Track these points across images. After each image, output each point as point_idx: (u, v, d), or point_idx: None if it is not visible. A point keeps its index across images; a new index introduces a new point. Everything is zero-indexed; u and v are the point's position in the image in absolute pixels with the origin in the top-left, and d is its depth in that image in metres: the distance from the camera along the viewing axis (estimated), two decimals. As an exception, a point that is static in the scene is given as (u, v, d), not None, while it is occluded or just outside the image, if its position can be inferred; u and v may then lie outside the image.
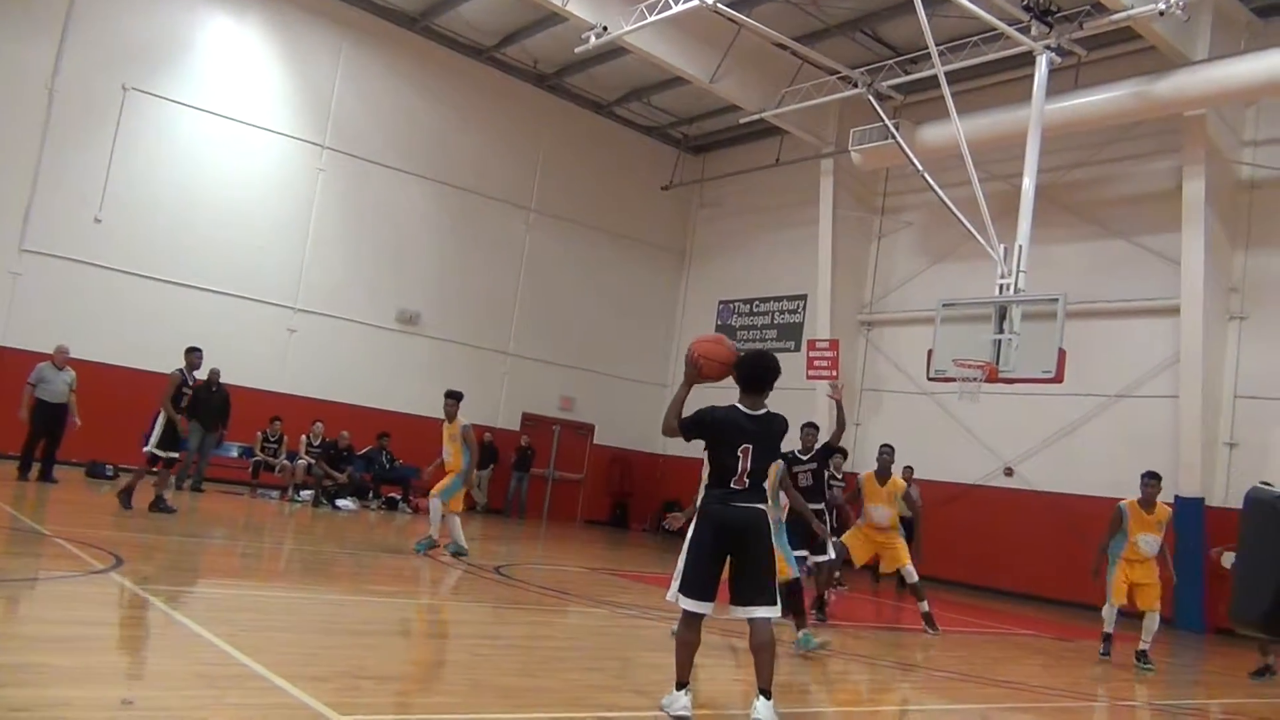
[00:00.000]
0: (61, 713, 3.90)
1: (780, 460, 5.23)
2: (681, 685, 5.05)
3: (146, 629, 5.89)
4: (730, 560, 5.09)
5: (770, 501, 5.15)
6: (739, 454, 5.11)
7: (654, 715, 5.28)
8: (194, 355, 12.57)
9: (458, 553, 11.14)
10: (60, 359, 14.11)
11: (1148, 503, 9.77)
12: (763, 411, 5.21)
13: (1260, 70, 13.42)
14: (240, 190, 18.66)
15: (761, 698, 4.96)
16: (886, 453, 10.66)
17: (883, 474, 10.44)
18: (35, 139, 16.63)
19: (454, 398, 11.40)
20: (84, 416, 14.22)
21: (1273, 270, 15.28)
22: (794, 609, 7.56)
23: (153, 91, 17.74)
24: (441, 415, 11.40)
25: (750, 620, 5.09)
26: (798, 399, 20.88)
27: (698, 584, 5.08)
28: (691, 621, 5.11)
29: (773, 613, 5.06)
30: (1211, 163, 14.96)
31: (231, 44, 18.78)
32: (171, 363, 16.55)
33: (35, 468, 13.78)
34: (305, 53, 19.55)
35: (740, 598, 5.10)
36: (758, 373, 5.22)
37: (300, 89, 19.55)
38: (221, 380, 16.06)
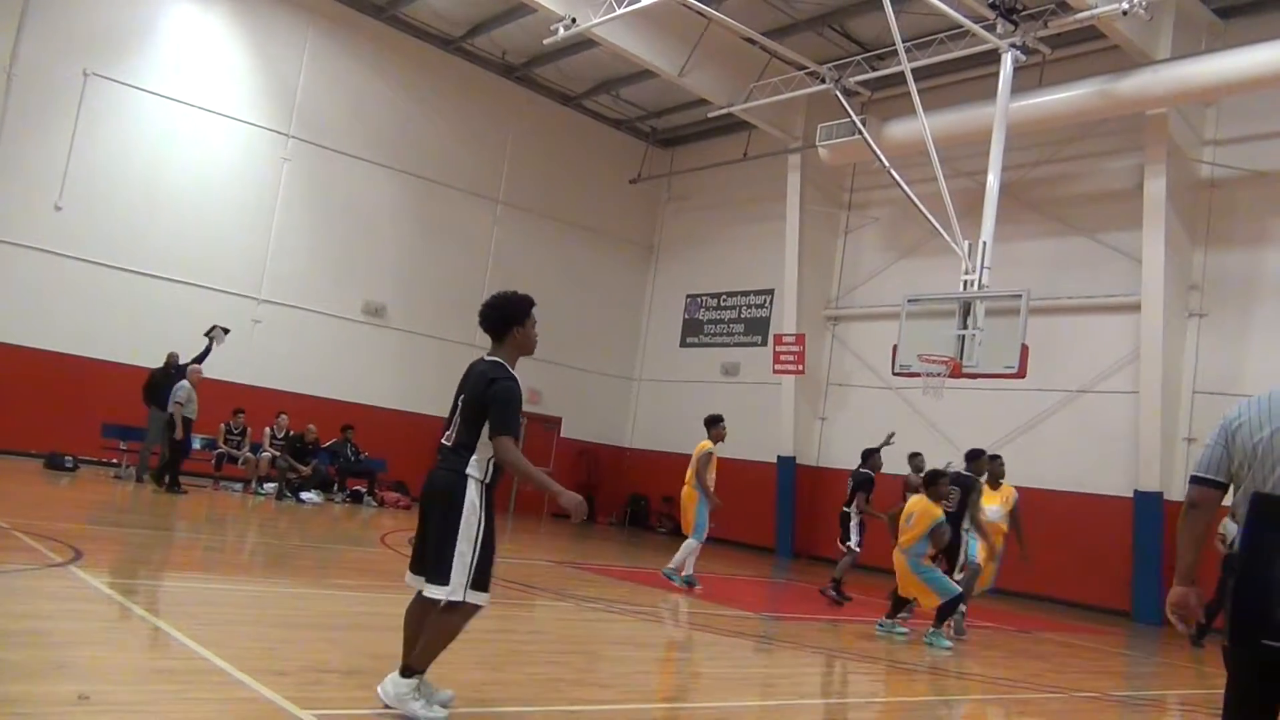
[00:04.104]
0: (16, 709, 3.83)
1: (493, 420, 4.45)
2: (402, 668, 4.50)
3: (105, 623, 5.82)
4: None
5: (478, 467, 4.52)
6: (455, 402, 4.74)
7: (619, 709, 5.29)
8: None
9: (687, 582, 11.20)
10: (196, 378, 14.65)
11: None
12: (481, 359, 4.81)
13: (1221, 70, 13.64)
14: (203, 179, 18.38)
15: (394, 673, 4.48)
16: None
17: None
18: (-8, 125, 16.33)
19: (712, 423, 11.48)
20: (41, 407, 14.06)
21: (1231, 268, 15.52)
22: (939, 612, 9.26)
23: (114, 78, 17.43)
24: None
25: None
26: (766, 392, 21.16)
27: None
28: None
29: (439, 593, 4.39)
30: (1173, 161, 15.16)
31: (195, 30, 18.49)
32: (136, 353, 16.60)
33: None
34: (270, 40, 19.30)
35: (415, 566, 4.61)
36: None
37: (265, 77, 19.30)
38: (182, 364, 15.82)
